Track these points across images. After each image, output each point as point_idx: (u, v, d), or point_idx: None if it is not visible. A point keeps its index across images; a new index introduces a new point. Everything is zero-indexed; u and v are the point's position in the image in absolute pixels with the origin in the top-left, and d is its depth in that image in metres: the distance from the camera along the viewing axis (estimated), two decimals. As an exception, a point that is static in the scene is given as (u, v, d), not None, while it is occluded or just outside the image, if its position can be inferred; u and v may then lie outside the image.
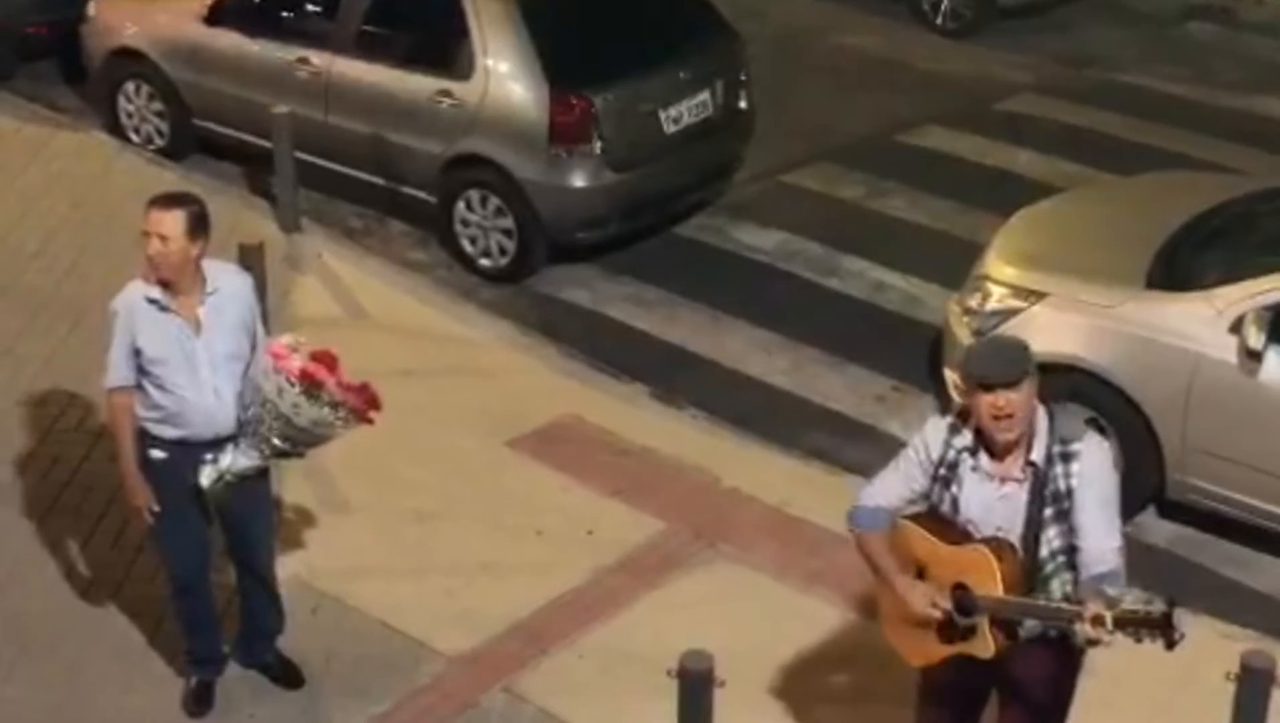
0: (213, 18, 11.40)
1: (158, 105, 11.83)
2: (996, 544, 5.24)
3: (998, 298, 8.48)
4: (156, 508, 6.43)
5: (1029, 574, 5.25)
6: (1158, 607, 4.88)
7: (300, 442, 6.39)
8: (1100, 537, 5.20)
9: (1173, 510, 8.27)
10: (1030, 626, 5.34)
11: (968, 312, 8.60)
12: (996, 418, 5.17)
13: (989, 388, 5.16)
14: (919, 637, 5.50)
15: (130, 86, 11.91)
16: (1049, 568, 5.26)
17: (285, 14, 11.27)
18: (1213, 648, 7.02)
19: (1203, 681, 6.53)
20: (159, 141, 11.90)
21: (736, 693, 6.29)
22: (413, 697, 6.90)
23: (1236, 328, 7.75)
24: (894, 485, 5.52)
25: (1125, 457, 8.09)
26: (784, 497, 8.14)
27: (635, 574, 7.64)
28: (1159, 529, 8.28)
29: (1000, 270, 8.62)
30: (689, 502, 8.16)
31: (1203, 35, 14.75)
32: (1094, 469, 5.25)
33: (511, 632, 7.25)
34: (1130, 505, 8.21)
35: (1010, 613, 5.26)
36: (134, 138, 11.97)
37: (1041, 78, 13.69)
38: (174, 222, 6.19)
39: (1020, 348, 5.31)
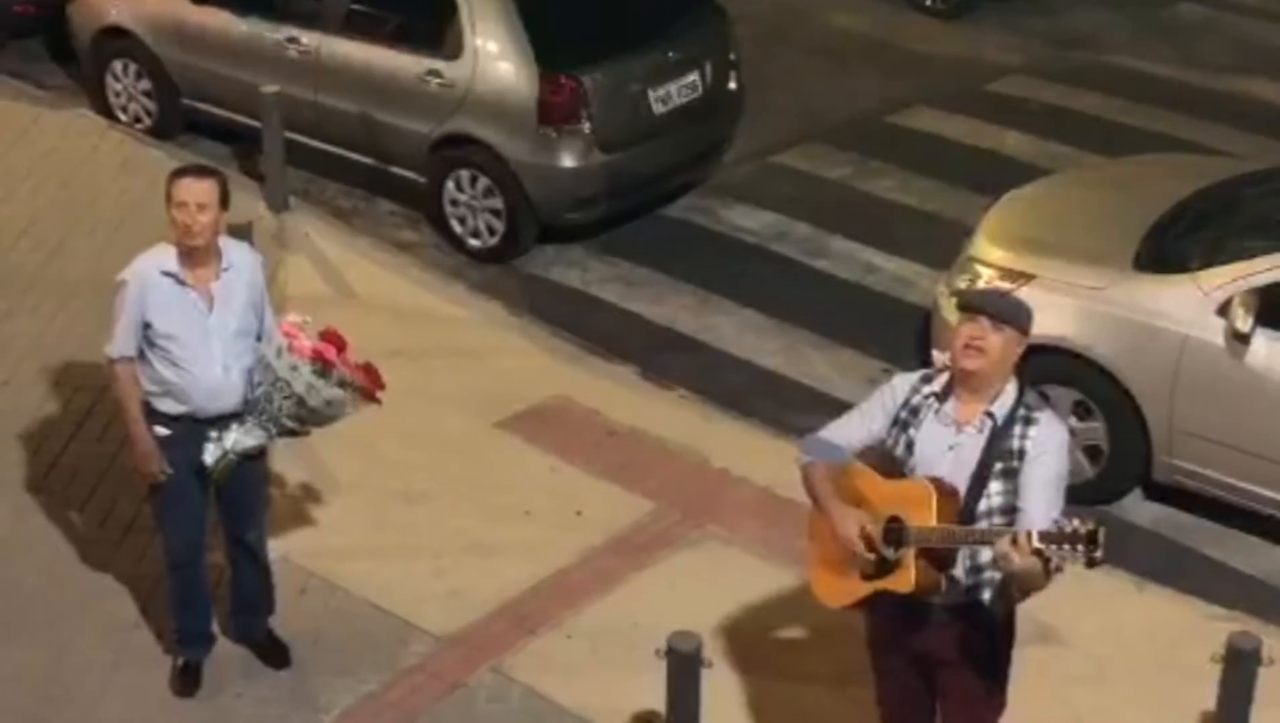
0: (201, -4, 11.38)
1: (145, 84, 11.80)
2: (938, 482, 5.29)
3: (986, 280, 8.47)
4: (170, 471, 6.42)
5: (965, 521, 5.26)
6: (1085, 524, 4.88)
7: (309, 421, 6.41)
8: (1043, 506, 5.19)
9: (1159, 492, 8.29)
10: (954, 586, 5.35)
11: (956, 293, 8.60)
12: (967, 346, 5.23)
13: (972, 314, 5.22)
14: (841, 576, 5.51)
15: (118, 65, 11.88)
16: (983, 524, 5.28)
17: (274, -8, 11.26)
18: (1198, 629, 7.06)
19: (1188, 662, 6.56)
20: (147, 121, 11.87)
21: (724, 673, 6.33)
22: (401, 677, 6.91)
23: (1224, 310, 7.76)
24: (853, 424, 5.56)
25: (1112, 439, 8.13)
26: (772, 478, 8.14)
27: (624, 555, 7.65)
28: (1144, 511, 8.30)
29: (989, 252, 8.63)
30: (678, 482, 8.17)
31: (1192, 17, 14.75)
32: (1051, 440, 5.28)
33: (500, 612, 7.26)
34: (1117, 487, 8.28)
35: (937, 542, 5.26)
36: (122, 117, 11.94)
37: (1031, 59, 13.69)
38: (210, 190, 6.26)
39: (1023, 306, 5.35)
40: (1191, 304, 7.88)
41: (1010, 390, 5.32)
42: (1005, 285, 8.32)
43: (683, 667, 5.95)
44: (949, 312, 8.61)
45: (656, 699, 6.15)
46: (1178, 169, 9.63)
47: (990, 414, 5.29)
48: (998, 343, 5.23)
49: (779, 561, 7.57)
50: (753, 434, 8.63)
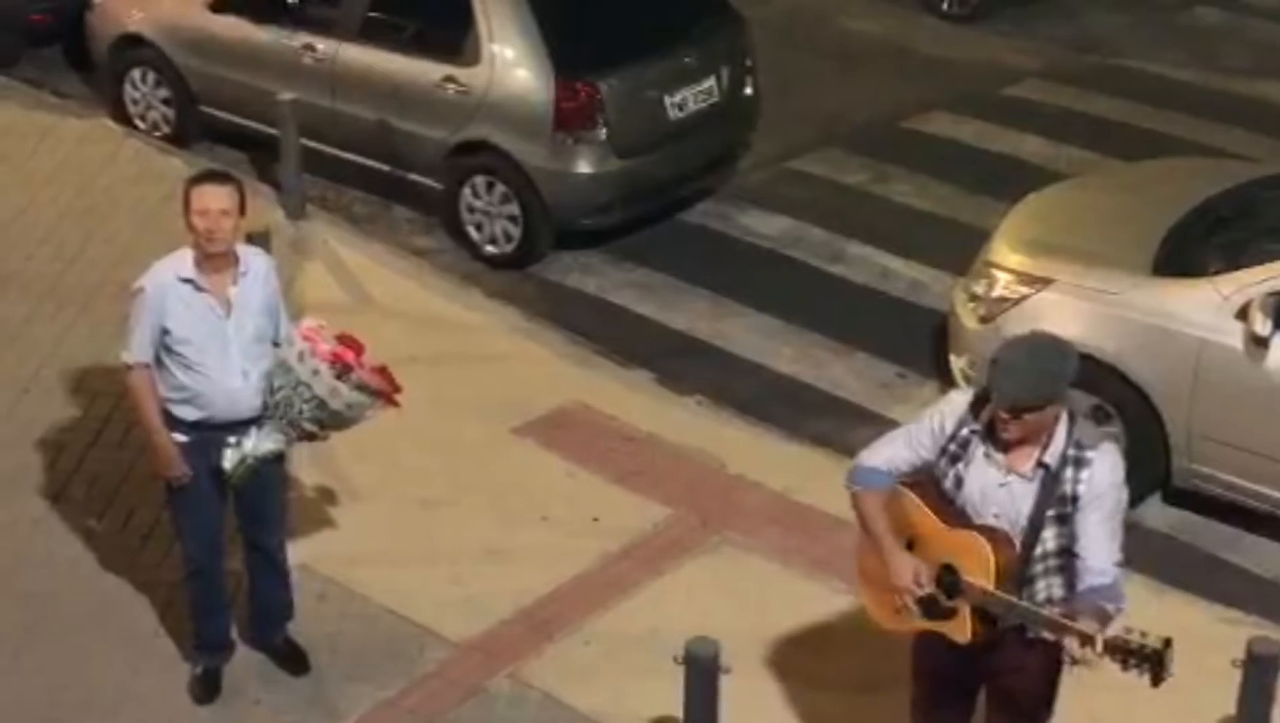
0: (218, 4, 11.39)
1: (164, 92, 11.82)
2: (994, 535, 5.22)
3: (1004, 284, 8.47)
4: (190, 472, 6.43)
5: (1022, 572, 5.23)
6: (1153, 641, 4.83)
7: (329, 425, 6.42)
8: (1100, 551, 5.15)
9: (1178, 497, 8.27)
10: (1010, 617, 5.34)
11: (974, 298, 8.60)
12: (1004, 425, 5.15)
13: (1007, 407, 5.09)
14: (895, 604, 5.47)
15: (136, 73, 11.91)
16: (1038, 568, 5.25)
17: (291, 0, 11.26)
18: (1217, 634, 7.05)
19: (1207, 666, 6.54)
20: (165, 128, 11.89)
21: (742, 679, 6.31)
22: (419, 683, 6.92)
23: (1243, 314, 7.74)
24: (900, 450, 5.44)
25: (1131, 444, 8.10)
26: (789, 483, 8.14)
27: (641, 561, 7.65)
28: (1164, 515, 8.28)
29: (1006, 257, 8.62)
30: (694, 488, 8.17)
31: (1208, 20, 14.73)
32: (1104, 481, 5.18)
33: (517, 618, 7.26)
34: (1137, 492, 8.24)
35: (997, 609, 5.24)
36: (140, 125, 11.96)
37: (1047, 63, 13.67)
38: (231, 196, 6.29)
39: (1053, 372, 5.10)
40: (1210, 308, 7.86)
41: (1060, 432, 5.19)
42: (1022, 290, 8.34)
43: (701, 673, 5.94)
44: (966, 316, 8.61)
45: (675, 706, 6.15)
46: (1195, 173, 9.61)
47: (1044, 464, 5.18)
48: (1034, 419, 5.10)
49: (797, 566, 7.57)
50: (769, 439, 8.63)
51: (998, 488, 5.25)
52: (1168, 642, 4.84)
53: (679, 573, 7.59)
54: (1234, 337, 7.77)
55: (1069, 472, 5.17)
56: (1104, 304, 8.13)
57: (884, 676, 6.10)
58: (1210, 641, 6.96)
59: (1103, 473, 5.18)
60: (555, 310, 10.00)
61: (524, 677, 6.96)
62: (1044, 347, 5.24)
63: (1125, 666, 4.87)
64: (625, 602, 7.39)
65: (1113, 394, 8.08)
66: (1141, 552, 7.73)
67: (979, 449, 5.28)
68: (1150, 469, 8.12)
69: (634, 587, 7.48)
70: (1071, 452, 5.18)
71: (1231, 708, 6.13)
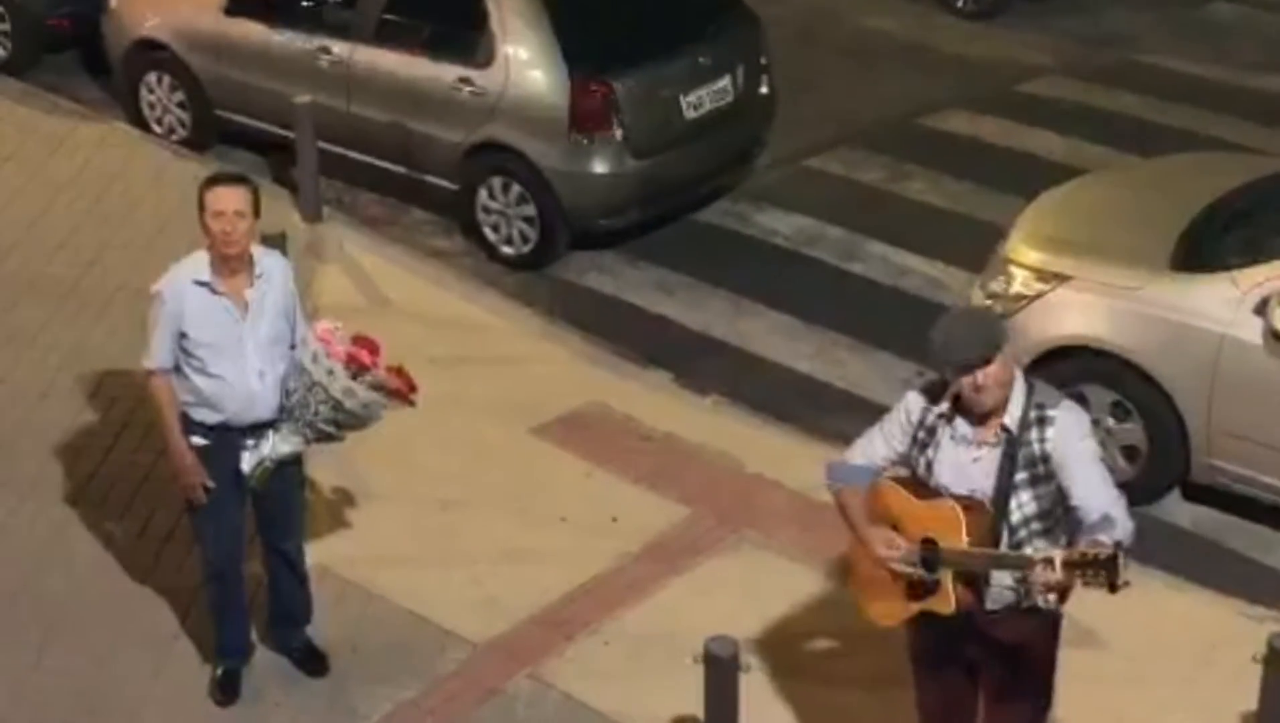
0: (233, 8, 11.42)
1: (180, 96, 11.86)
2: (966, 500, 5.31)
3: (1021, 281, 8.45)
4: (211, 484, 6.44)
5: (998, 535, 5.29)
6: (1104, 549, 4.89)
7: (345, 425, 6.43)
8: (1096, 495, 5.22)
9: (1197, 492, 8.25)
10: (1000, 592, 5.36)
11: (991, 295, 8.58)
12: (977, 391, 5.24)
13: (967, 370, 5.21)
14: (887, 596, 5.55)
15: (152, 78, 11.95)
16: (1021, 533, 5.31)
17: (306, 3, 11.29)
18: (1238, 629, 7.03)
19: (1227, 662, 6.54)
20: (181, 132, 11.93)
21: (761, 678, 6.32)
22: (438, 684, 6.93)
23: (1261, 309, 7.72)
24: (876, 445, 5.60)
25: (1150, 439, 8.09)
26: (808, 482, 8.11)
27: (660, 560, 7.65)
28: (1183, 511, 8.26)
29: (1023, 253, 8.60)
30: (713, 488, 8.17)
31: (1225, 15, 14.69)
32: (1071, 434, 5.28)
33: (536, 619, 7.27)
34: (1156, 488, 8.24)
35: (970, 566, 5.31)
36: (156, 129, 12.00)
37: (1063, 60, 13.65)
38: (246, 198, 6.30)
39: (988, 324, 5.40)
40: (1228, 303, 7.83)
41: (1018, 394, 5.31)
42: (1039, 287, 8.32)
43: (720, 672, 5.95)
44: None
45: (694, 705, 6.15)
46: (1212, 168, 9.57)
47: (1005, 427, 5.29)
48: (995, 371, 5.23)
49: (815, 564, 7.56)
50: (787, 438, 8.62)
51: (971, 464, 5.35)
52: (1118, 544, 4.91)
53: (698, 572, 7.59)
54: (1253, 331, 7.75)
55: (1033, 432, 5.28)
56: (1122, 300, 8.11)
57: (902, 673, 6.09)
58: (1231, 636, 6.96)
59: (1068, 427, 5.29)
60: (572, 311, 10.01)
61: (543, 677, 6.96)
62: (965, 311, 5.81)
63: (1085, 581, 4.93)
64: (644, 601, 7.39)
65: (1131, 390, 8.06)
66: (1161, 547, 7.73)
67: (945, 431, 5.39)
68: (1169, 464, 8.11)
69: (653, 586, 7.48)
70: (1033, 413, 5.29)
71: (1253, 704, 6.11)
